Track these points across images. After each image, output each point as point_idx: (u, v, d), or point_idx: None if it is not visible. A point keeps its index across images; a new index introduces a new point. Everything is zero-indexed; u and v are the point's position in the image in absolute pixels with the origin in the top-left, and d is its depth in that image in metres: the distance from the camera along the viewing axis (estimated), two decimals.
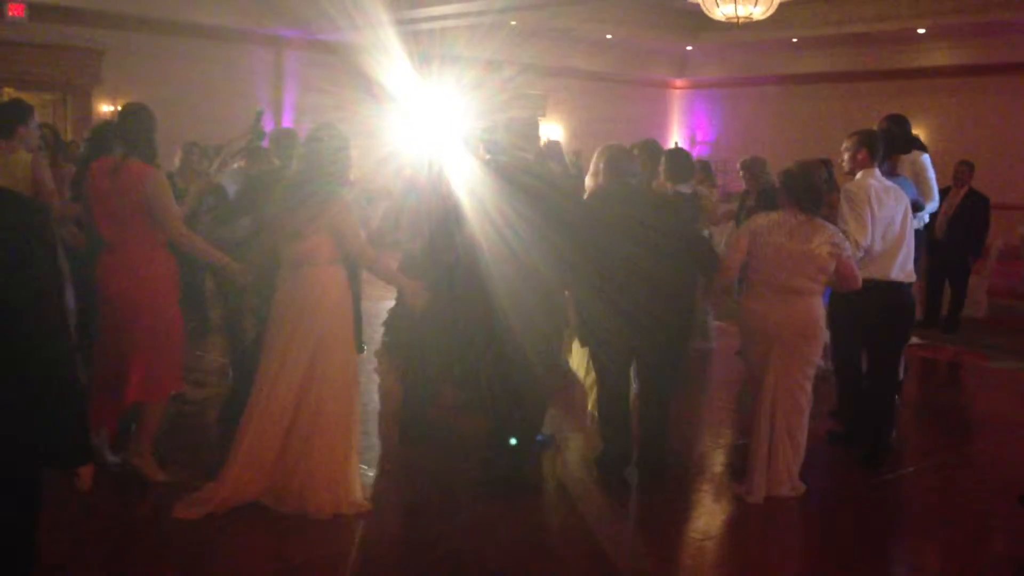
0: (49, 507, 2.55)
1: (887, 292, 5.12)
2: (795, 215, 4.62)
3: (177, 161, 7.66)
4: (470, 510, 4.50)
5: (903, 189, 5.36)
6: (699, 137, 18.75)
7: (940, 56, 15.00)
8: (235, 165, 6.18)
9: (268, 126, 11.18)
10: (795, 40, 15.10)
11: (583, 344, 5.09)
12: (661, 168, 6.35)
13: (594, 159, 5.73)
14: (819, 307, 4.69)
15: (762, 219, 4.75)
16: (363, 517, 4.27)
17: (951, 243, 9.33)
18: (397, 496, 4.68)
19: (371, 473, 4.85)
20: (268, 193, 4.60)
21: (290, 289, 4.34)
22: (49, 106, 13.10)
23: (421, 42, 12.42)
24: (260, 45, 14.11)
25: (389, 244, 5.41)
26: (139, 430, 4.61)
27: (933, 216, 9.51)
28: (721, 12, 10.41)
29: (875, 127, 5.87)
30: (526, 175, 4.63)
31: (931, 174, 6.43)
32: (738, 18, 10.27)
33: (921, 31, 13.98)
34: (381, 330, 7.21)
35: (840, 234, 4.66)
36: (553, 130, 16.14)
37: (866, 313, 5.08)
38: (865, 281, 4.80)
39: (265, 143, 6.15)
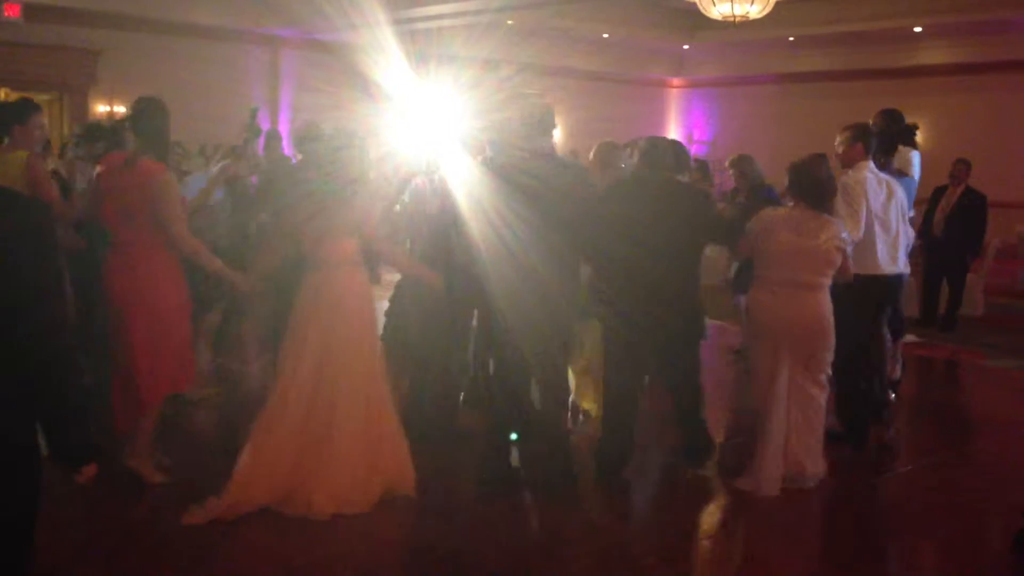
0: (48, 508, 2.55)
1: (885, 284, 5.21)
2: (802, 210, 4.66)
3: None
4: (470, 510, 4.50)
5: (905, 186, 5.45)
6: (696, 136, 18.74)
7: (937, 54, 14.99)
8: (217, 166, 6.19)
9: (264, 125, 11.19)
10: (792, 39, 15.10)
11: (600, 319, 5.05)
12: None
13: (592, 156, 5.78)
14: (828, 301, 4.73)
15: (770, 214, 4.80)
16: (363, 517, 4.26)
17: (948, 241, 9.34)
18: (396, 496, 4.67)
19: None
20: (285, 186, 4.62)
21: (313, 291, 4.34)
22: (45, 106, 13.07)
23: (418, 41, 12.39)
24: (256, 45, 14.08)
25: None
26: (136, 431, 4.60)
27: (930, 214, 9.56)
28: (718, 11, 10.41)
29: (869, 122, 5.91)
30: (524, 175, 4.62)
31: (915, 172, 6.43)
32: (735, 17, 10.27)
33: (917, 29, 13.98)
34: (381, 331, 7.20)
35: (844, 229, 4.72)
36: None
37: (870, 304, 5.20)
38: (864, 276, 4.86)
39: (261, 141, 6.16)
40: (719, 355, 7.91)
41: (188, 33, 13.05)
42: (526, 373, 4.66)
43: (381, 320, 5.87)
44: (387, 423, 4.46)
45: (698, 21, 13.12)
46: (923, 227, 9.37)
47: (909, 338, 8.66)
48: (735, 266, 6.85)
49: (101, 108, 12.94)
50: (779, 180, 7.15)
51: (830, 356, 4.77)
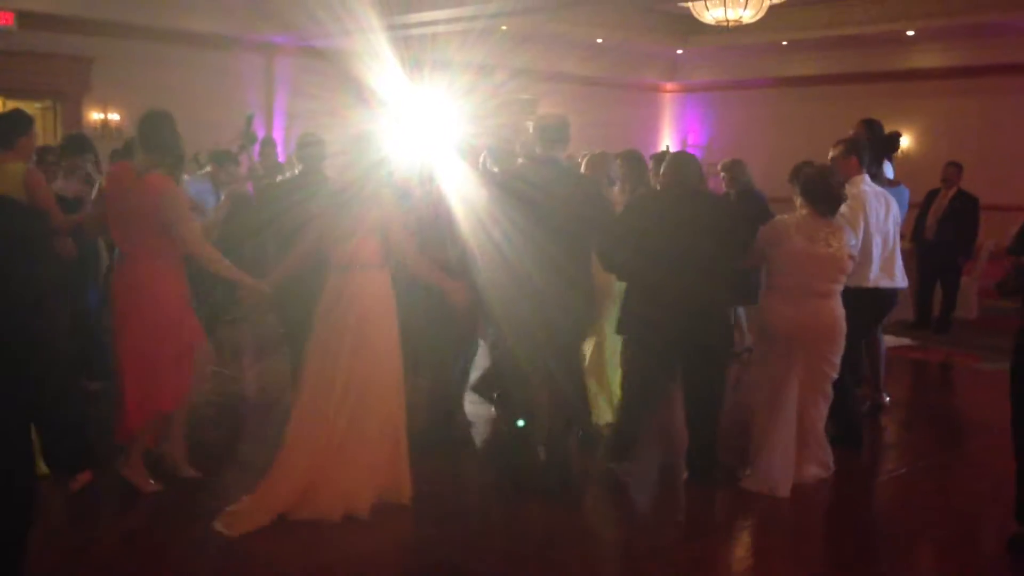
0: (42, 515, 2.54)
1: (883, 297, 5.25)
2: (814, 218, 4.70)
3: None
4: (467, 516, 4.50)
5: (899, 196, 5.51)
6: (691, 140, 18.77)
7: (930, 58, 15.06)
8: (203, 171, 6.19)
9: (259, 131, 11.19)
10: (785, 43, 15.15)
11: (621, 333, 5.01)
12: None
13: (583, 166, 5.81)
14: (840, 307, 4.78)
15: (781, 221, 4.82)
16: (360, 524, 4.24)
17: (941, 244, 9.35)
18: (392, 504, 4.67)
19: None
20: (286, 204, 4.63)
21: (335, 292, 4.32)
22: (39, 114, 13.05)
23: (412, 47, 12.41)
24: (251, 51, 14.07)
25: None
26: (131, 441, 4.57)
27: (922, 217, 9.58)
28: (711, 16, 10.45)
29: (851, 132, 5.96)
30: (520, 181, 4.62)
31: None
32: (728, 21, 10.31)
33: (910, 33, 14.04)
34: None
35: (853, 236, 4.78)
36: None
37: (868, 316, 5.24)
38: (863, 288, 4.93)
39: (256, 148, 6.16)
40: None
41: (182, 40, 13.04)
42: (524, 381, 4.65)
43: None
44: (399, 431, 4.46)
45: (692, 26, 13.15)
46: (915, 230, 9.40)
47: (904, 341, 8.70)
48: None
49: (95, 116, 12.93)
50: (774, 184, 7.21)
51: (839, 360, 4.81)
